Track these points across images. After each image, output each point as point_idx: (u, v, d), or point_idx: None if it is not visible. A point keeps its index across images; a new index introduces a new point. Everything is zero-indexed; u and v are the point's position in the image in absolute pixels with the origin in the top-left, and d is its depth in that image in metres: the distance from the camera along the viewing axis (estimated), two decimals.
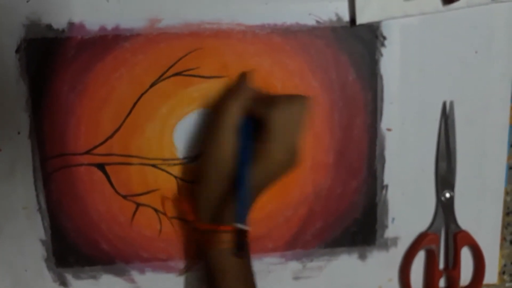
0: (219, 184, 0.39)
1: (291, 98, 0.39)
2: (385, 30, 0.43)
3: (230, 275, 0.38)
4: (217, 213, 0.39)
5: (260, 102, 0.39)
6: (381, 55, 0.43)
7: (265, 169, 0.38)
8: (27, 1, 0.40)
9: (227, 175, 0.39)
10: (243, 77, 0.42)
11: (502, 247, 0.48)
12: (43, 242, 0.44)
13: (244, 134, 0.38)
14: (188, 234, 0.45)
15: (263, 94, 0.41)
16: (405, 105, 0.44)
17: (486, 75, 0.44)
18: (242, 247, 0.35)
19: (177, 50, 0.41)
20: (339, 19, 0.42)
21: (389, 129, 0.45)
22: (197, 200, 0.40)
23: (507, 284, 0.49)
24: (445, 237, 0.47)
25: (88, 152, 0.42)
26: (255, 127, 0.39)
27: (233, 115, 0.38)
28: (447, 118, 0.45)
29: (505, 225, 0.48)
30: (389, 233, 0.46)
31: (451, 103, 0.45)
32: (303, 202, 0.45)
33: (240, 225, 0.35)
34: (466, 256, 0.48)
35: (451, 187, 0.46)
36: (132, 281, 0.45)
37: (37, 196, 0.43)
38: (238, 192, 0.37)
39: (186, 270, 0.45)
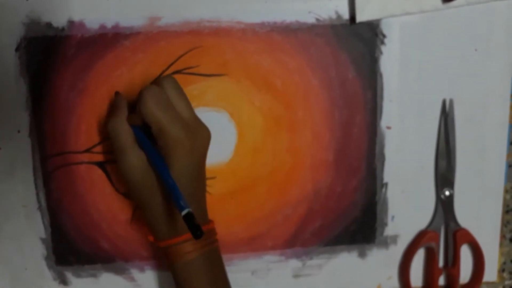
0: (153, 199, 0.38)
1: (153, 84, 0.37)
2: (385, 28, 0.43)
3: (200, 284, 0.38)
4: (170, 226, 0.38)
5: (134, 113, 0.37)
6: (381, 53, 0.43)
7: (178, 157, 0.36)
8: (27, 0, 0.40)
9: (154, 189, 0.37)
10: (117, 95, 0.41)
11: (501, 245, 0.48)
12: (43, 241, 0.44)
13: (144, 142, 0.37)
14: None
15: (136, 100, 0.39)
16: (405, 103, 0.44)
17: (485, 73, 0.44)
18: (195, 230, 0.33)
19: (177, 48, 0.41)
20: (339, 17, 0.42)
21: (388, 127, 0.45)
22: (147, 222, 0.39)
23: (507, 282, 0.49)
24: (444, 235, 0.47)
25: (88, 151, 0.42)
26: (148, 130, 0.37)
27: (124, 132, 0.37)
28: (446, 116, 0.45)
29: (505, 223, 0.48)
30: (389, 231, 0.47)
31: (451, 101, 0.45)
32: (302, 201, 0.45)
33: (184, 212, 0.33)
34: (465, 254, 0.48)
35: (450, 185, 0.46)
36: (132, 279, 0.45)
37: (37, 194, 0.43)
38: (170, 191, 0.35)
39: None
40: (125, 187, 0.39)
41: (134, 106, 0.37)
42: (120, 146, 0.37)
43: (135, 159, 0.37)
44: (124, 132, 0.37)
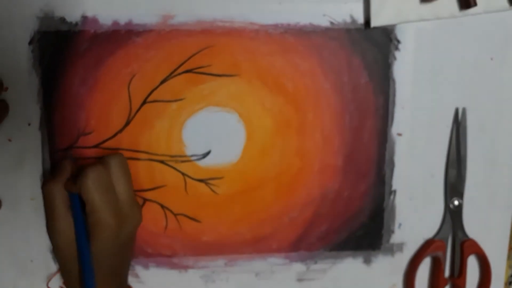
0: (72, 267, 0.38)
1: (98, 164, 0.38)
2: (399, 33, 0.42)
3: None
4: None
5: (74, 179, 0.38)
6: (395, 58, 0.43)
7: (101, 238, 0.37)
8: None
9: (75, 256, 0.38)
10: (64, 160, 0.41)
11: (509, 257, 0.47)
12: None
13: (75, 211, 0.38)
14: (193, 232, 0.45)
15: (82, 167, 0.39)
16: (417, 110, 0.44)
17: (501, 82, 0.44)
18: None
19: (189, 47, 0.41)
20: (353, 21, 0.42)
21: (399, 134, 0.44)
22: (65, 284, 0.40)
23: None
24: (452, 244, 0.46)
25: (97, 146, 0.43)
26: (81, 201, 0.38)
27: (59, 198, 0.38)
28: (459, 125, 0.44)
29: None
30: (395, 238, 0.46)
31: (464, 110, 0.44)
32: (309, 204, 0.45)
33: None
34: (472, 265, 0.47)
35: (460, 194, 0.45)
36: (136, 276, 0.45)
37: None
38: (83, 267, 0.37)
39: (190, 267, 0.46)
40: (53, 249, 0.40)
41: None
42: (51, 210, 0.38)
43: (62, 225, 0.38)
44: (59, 197, 0.38)
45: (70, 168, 0.40)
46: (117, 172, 0.39)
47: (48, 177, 0.42)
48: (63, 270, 0.40)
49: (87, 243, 0.37)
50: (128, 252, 0.41)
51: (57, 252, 0.39)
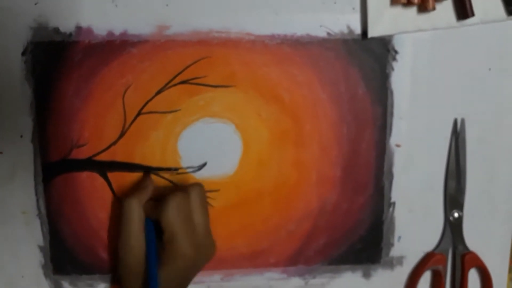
0: (135, 286, 0.38)
1: (181, 193, 0.38)
2: (397, 44, 0.42)
3: None
4: None
5: (155, 205, 0.39)
6: (392, 69, 0.42)
7: (175, 267, 0.37)
8: (35, 4, 0.39)
9: (141, 276, 0.38)
10: (146, 176, 0.42)
11: (510, 270, 0.47)
12: (41, 248, 0.43)
13: (149, 233, 0.38)
14: None
15: (161, 191, 0.40)
16: (415, 121, 0.43)
17: (499, 93, 0.44)
18: None
19: (184, 58, 0.41)
20: (350, 31, 0.42)
21: (398, 145, 0.44)
22: None
23: None
24: (452, 258, 0.46)
25: (90, 158, 0.42)
26: (157, 227, 0.38)
27: (137, 217, 0.38)
28: (457, 136, 0.44)
29: None
30: (395, 251, 0.45)
31: (462, 121, 0.44)
32: (307, 217, 0.44)
33: None
34: (473, 278, 0.46)
35: (460, 206, 0.45)
36: None
37: (37, 201, 0.42)
38: None
39: None
40: (119, 266, 0.40)
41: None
42: (128, 226, 0.38)
43: (135, 244, 0.38)
44: (138, 216, 0.38)
45: (152, 189, 0.40)
46: (197, 201, 0.39)
47: (130, 192, 0.41)
48: (126, 286, 0.39)
49: (157, 266, 0.37)
50: (191, 278, 0.41)
51: (123, 267, 0.39)
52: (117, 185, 0.42)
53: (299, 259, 0.45)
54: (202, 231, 0.39)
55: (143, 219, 0.38)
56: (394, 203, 0.45)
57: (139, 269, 0.38)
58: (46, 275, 0.44)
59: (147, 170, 0.42)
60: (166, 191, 0.39)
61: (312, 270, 0.45)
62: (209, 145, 0.42)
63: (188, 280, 0.39)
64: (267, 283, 0.45)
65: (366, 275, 0.46)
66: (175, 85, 0.41)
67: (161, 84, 0.41)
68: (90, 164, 0.42)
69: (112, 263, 0.44)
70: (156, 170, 0.42)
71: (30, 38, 0.40)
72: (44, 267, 0.43)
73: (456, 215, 0.45)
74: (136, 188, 0.41)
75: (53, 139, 0.41)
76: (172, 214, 0.37)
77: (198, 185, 0.40)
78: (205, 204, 0.40)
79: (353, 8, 0.41)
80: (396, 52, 0.42)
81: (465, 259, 0.45)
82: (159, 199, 0.39)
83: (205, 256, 0.40)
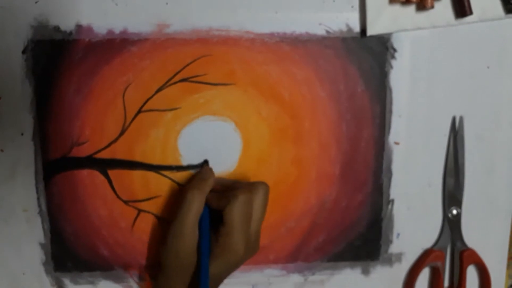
0: (180, 276, 0.38)
1: (249, 190, 0.38)
2: (395, 42, 0.42)
3: None
4: None
5: (219, 196, 0.39)
6: (391, 67, 0.43)
7: (225, 261, 0.38)
8: (36, 2, 0.40)
9: (188, 267, 0.38)
10: (206, 167, 0.42)
11: (509, 266, 0.47)
12: (42, 246, 0.43)
13: (204, 225, 0.38)
14: None
15: (225, 184, 0.41)
16: (413, 119, 0.44)
17: (497, 91, 0.44)
18: None
19: (184, 56, 0.41)
20: (349, 29, 0.42)
21: (396, 143, 0.44)
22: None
23: None
24: (450, 254, 0.46)
25: (91, 156, 0.42)
26: (213, 218, 0.39)
27: (196, 208, 0.38)
28: (456, 134, 0.44)
29: None
30: (394, 248, 0.46)
31: (461, 118, 0.44)
32: (306, 214, 0.45)
33: None
34: (472, 275, 0.47)
35: (458, 203, 0.45)
36: None
37: (38, 198, 0.42)
38: (200, 284, 0.37)
39: None
40: (163, 251, 0.39)
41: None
42: (185, 215, 0.38)
43: (189, 232, 0.38)
44: (197, 206, 0.38)
45: (213, 181, 0.40)
46: (260, 201, 0.39)
47: (191, 182, 0.41)
48: (169, 274, 0.39)
49: (208, 257, 0.38)
50: (228, 275, 0.41)
51: (172, 256, 0.38)
52: (118, 182, 0.43)
53: (299, 255, 0.45)
54: (255, 230, 0.39)
55: (201, 211, 0.38)
56: (393, 200, 0.45)
57: (188, 259, 0.38)
58: (47, 272, 0.44)
59: (206, 163, 0.42)
60: (228, 184, 0.40)
61: (312, 267, 0.45)
62: (209, 143, 0.43)
63: (226, 276, 0.40)
64: (267, 279, 0.45)
65: (365, 271, 0.46)
66: (175, 83, 0.41)
67: (161, 82, 0.41)
68: (91, 162, 0.42)
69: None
70: (157, 168, 0.43)
71: (31, 37, 0.40)
72: (45, 264, 0.44)
73: (454, 212, 0.45)
74: (196, 178, 0.41)
75: (54, 137, 0.42)
76: (238, 209, 0.37)
77: (265, 184, 0.40)
78: (266, 204, 0.40)
79: (352, 7, 0.41)
80: (395, 50, 0.42)
81: (464, 256, 0.45)
82: (218, 190, 0.39)
83: (249, 254, 0.40)
